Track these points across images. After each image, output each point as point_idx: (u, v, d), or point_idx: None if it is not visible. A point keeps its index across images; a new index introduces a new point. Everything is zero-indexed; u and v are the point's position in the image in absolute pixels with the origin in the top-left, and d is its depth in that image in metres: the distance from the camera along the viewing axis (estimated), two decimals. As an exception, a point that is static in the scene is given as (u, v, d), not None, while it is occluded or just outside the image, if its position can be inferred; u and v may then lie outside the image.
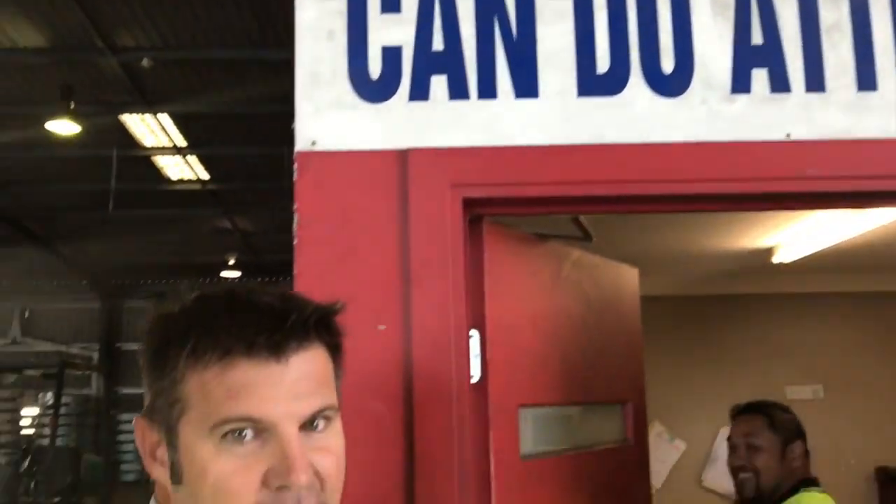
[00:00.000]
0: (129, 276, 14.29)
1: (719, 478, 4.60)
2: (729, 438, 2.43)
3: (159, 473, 0.89)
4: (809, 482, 2.33)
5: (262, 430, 0.84)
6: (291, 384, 0.85)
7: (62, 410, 7.70)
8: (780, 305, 4.78)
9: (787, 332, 4.80)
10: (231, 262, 12.51)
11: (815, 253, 3.64)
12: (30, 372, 8.94)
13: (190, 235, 11.47)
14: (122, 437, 8.65)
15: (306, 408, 0.85)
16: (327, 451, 0.87)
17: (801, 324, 4.82)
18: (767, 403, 2.43)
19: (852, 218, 3.13)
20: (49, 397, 7.33)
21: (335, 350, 0.92)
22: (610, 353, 1.97)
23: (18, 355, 10.29)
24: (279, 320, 0.85)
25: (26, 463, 6.40)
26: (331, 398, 0.89)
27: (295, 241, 1.45)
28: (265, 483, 0.83)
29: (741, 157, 1.46)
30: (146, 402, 0.90)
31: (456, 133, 1.49)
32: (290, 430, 0.84)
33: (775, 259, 3.81)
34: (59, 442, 6.68)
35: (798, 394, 4.76)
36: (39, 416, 8.41)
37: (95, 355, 12.97)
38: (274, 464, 0.83)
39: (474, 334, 1.48)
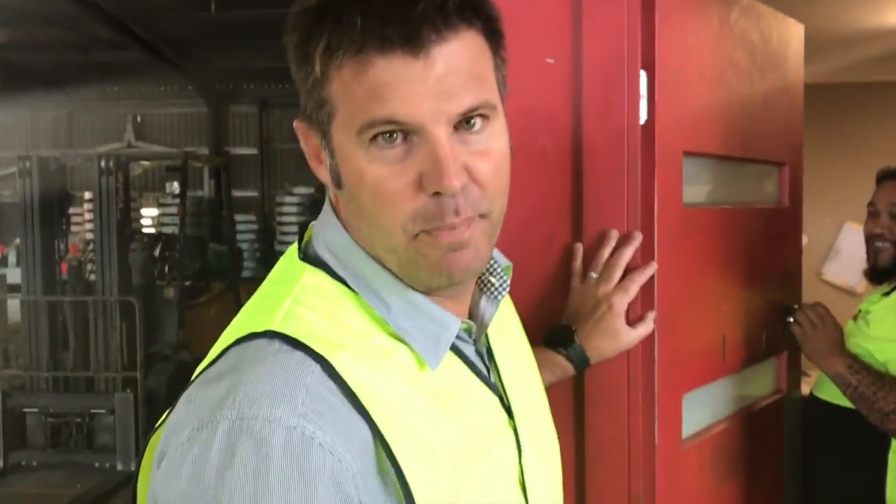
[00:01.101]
0: (234, 81, 14.48)
1: (840, 272, 4.54)
2: (870, 204, 2.34)
3: (324, 175, 0.86)
4: None
5: (411, 132, 0.78)
6: (437, 80, 0.76)
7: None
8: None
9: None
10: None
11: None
12: (153, 163, 9.30)
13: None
14: (239, 236, 9.12)
15: (456, 106, 0.77)
16: (485, 154, 0.81)
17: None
18: None
19: None
20: (175, 187, 7.67)
21: (492, 34, 0.82)
22: (771, 111, 1.87)
23: (136, 156, 10.72)
24: (407, 6, 0.75)
25: (158, 249, 6.84)
26: (487, 93, 0.80)
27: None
28: (420, 188, 0.78)
29: None
30: (301, 102, 0.85)
31: None
32: (439, 132, 0.77)
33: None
34: (186, 231, 7.10)
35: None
36: (166, 206, 8.81)
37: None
38: (426, 168, 0.77)
39: (643, 74, 1.41)
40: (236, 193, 13.09)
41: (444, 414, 0.84)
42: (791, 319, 1.99)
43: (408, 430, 0.78)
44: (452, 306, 0.88)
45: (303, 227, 0.94)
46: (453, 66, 0.77)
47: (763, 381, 1.96)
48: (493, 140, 0.82)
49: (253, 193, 17.59)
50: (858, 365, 2.05)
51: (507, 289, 0.96)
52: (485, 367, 0.94)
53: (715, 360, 1.68)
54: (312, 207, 16.50)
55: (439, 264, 0.82)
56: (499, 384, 0.94)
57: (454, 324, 0.86)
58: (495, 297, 0.95)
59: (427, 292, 0.85)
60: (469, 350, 0.91)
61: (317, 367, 0.76)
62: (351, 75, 0.77)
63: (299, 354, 0.76)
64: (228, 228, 7.29)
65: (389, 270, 0.84)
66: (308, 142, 0.87)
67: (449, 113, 0.77)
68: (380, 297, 0.84)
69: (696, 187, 1.64)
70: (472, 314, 0.94)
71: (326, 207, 0.90)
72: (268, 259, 16.59)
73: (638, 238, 1.36)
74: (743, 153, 1.77)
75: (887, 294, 2.30)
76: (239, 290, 6.99)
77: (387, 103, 0.76)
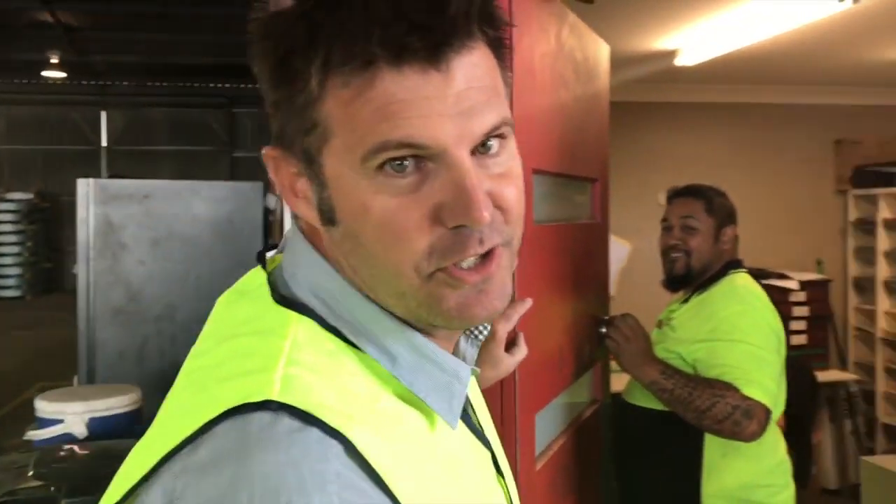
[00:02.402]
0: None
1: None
2: (664, 220, 2.50)
3: (304, 210, 0.72)
4: (737, 264, 2.46)
5: (426, 157, 0.66)
6: (458, 97, 0.65)
7: None
8: (662, 114, 4.92)
9: (664, 141, 4.97)
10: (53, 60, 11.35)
11: (715, 59, 3.72)
12: None
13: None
14: None
15: (479, 126, 0.66)
16: (507, 177, 0.70)
17: (677, 133, 5.00)
18: (705, 187, 2.50)
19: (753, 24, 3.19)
20: None
21: (500, 47, 0.71)
22: (588, 129, 1.93)
23: None
24: (435, 11, 0.63)
25: None
26: (506, 110, 0.70)
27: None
28: (437, 221, 0.66)
29: None
30: (273, 126, 0.71)
31: None
32: (463, 156, 0.66)
33: (678, 62, 3.87)
34: None
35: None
36: None
37: None
38: (446, 199, 0.65)
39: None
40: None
41: (455, 481, 0.73)
42: (603, 330, 2.06)
43: None
44: (446, 349, 0.77)
45: (260, 257, 0.78)
46: (473, 81, 0.66)
47: (583, 392, 2.01)
48: (512, 160, 0.72)
49: (-41, 200, 15.71)
50: (671, 370, 2.17)
51: (490, 327, 0.87)
52: (475, 418, 0.84)
53: (555, 376, 1.69)
54: (31, 216, 15.06)
55: (462, 308, 0.70)
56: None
57: (464, 372, 0.74)
58: (476, 336, 0.85)
59: (429, 334, 0.73)
60: None
61: (339, 447, 0.62)
62: (354, 93, 0.64)
63: (316, 433, 0.62)
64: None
65: (390, 313, 0.72)
66: (280, 172, 0.72)
67: (473, 134, 0.66)
68: (383, 347, 0.71)
69: (541, 202, 1.65)
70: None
71: (300, 243, 0.76)
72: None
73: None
74: (571, 170, 1.80)
75: (685, 301, 2.47)
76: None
77: (402, 124, 0.64)
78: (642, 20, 3.37)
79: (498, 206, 0.69)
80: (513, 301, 1.31)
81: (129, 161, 15.36)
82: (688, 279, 2.47)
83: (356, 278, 0.72)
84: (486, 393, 1.33)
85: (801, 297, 4.76)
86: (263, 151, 0.73)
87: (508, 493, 0.85)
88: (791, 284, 4.77)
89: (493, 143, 0.69)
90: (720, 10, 3.12)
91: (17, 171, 15.97)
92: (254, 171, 12.66)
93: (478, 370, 0.82)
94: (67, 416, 2.59)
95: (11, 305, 13.70)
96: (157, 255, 3.76)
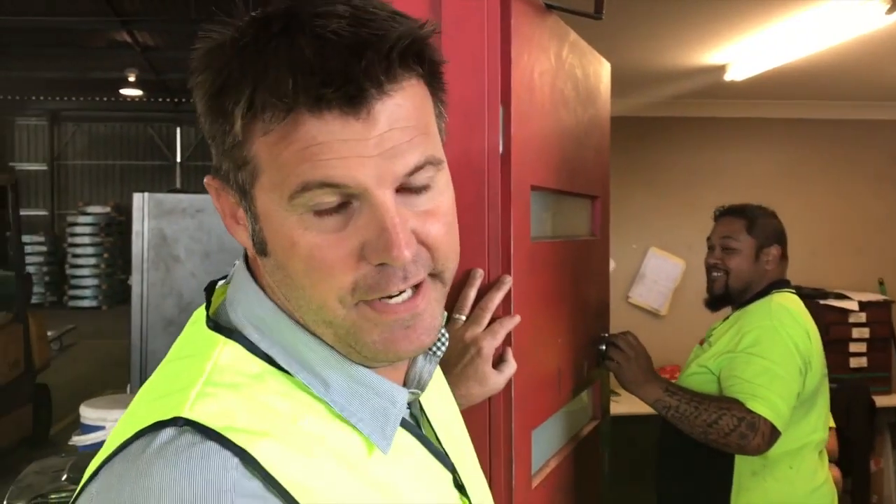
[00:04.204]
0: (20, 91, 13.39)
1: (645, 294, 4.79)
2: (708, 239, 2.51)
3: (244, 238, 0.75)
4: (782, 284, 2.42)
5: (350, 196, 0.67)
6: (380, 139, 0.66)
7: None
8: (716, 130, 4.84)
9: (717, 157, 4.90)
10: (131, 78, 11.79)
11: (766, 73, 3.65)
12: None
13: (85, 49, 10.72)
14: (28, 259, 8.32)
15: (402, 167, 0.68)
16: (433, 214, 0.71)
17: (731, 150, 4.92)
18: (750, 207, 2.48)
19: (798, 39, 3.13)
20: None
21: (434, 80, 0.73)
22: (588, 147, 1.92)
23: None
24: (352, 59, 0.64)
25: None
26: (432, 147, 0.71)
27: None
28: (363, 258, 0.68)
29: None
30: (213, 157, 0.73)
31: None
32: (384, 197, 0.67)
33: (727, 77, 3.80)
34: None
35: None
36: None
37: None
38: (369, 237, 0.67)
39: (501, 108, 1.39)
40: (22, 213, 12.10)
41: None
42: (603, 347, 2.04)
43: None
44: (392, 374, 0.78)
45: (209, 289, 0.81)
46: (396, 122, 0.67)
47: (582, 410, 2.00)
48: (440, 196, 0.73)
49: (42, 213, 16.37)
50: (674, 387, 2.15)
51: (447, 342, 0.87)
52: (434, 435, 0.85)
53: (553, 393, 1.68)
54: (108, 228, 15.61)
55: (387, 342, 0.72)
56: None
57: (400, 396, 0.76)
58: (433, 352, 0.85)
59: (366, 364, 0.75)
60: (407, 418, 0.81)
61: (236, 460, 0.64)
62: (277, 137, 0.66)
63: (215, 446, 0.64)
64: (15, 252, 6.64)
65: (323, 341, 0.74)
66: (222, 200, 0.75)
67: (395, 174, 0.68)
68: (315, 373, 0.73)
69: (537, 218, 1.65)
70: (408, 373, 0.84)
71: (241, 272, 0.79)
72: (58, 284, 15.50)
73: (508, 282, 1.33)
74: (570, 187, 1.80)
75: (726, 318, 2.44)
76: (27, 319, 6.39)
77: (322, 165, 0.66)
78: (690, 35, 3.33)
79: (423, 242, 0.71)
80: (500, 318, 1.31)
81: (201, 176, 15.77)
82: (727, 298, 2.46)
83: (288, 305, 0.74)
84: (476, 409, 1.34)
85: (862, 317, 4.60)
86: (206, 180, 0.76)
87: None
88: (850, 305, 4.62)
89: (419, 181, 0.70)
90: (770, 23, 3.07)
91: (95, 186, 16.60)
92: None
93: (419, 392, 0.82)
94: (108, 422, 2.70)
95: (88, 315, 14.22)
96: (208, 268, 3.88)
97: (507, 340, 1.34)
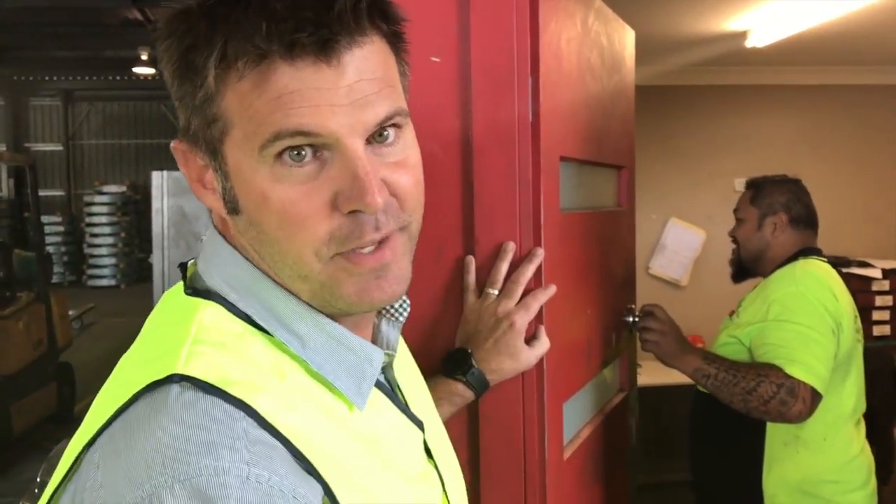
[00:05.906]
0: (34, 72, 13.40)
1: (665, 265, 4.76)
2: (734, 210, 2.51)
3: (211, 201, 0.76)
4: (810, 251, 2.39)
5: (322, 146, 0.70)
6: (350, 89, 0.69)
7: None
8: (736, 98, 4.78)
9: (738, 125, 4.84)
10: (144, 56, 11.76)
11: (788, 38, 3.59)
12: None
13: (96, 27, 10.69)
14: (46, 239, 8.37)
15: (372, 116, 0.70)
16: (402, 165, 0.74)
17: (751, 118, 4.86)
18: (763, 179, 2.46)
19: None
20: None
21: (396, 40, 0.75)
22: (614, 116, 1.89)
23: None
24: (323, 8, 0.67)
25: (-45, 256, 6.17)
26: (399, 101, 0.74)
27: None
28: (335, 207, 0.70)
29: None
30: (180, 120, 0.75)
31: None
32: (356, 145, 0.70)
33: (748, 43, 3.75)
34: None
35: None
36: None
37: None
38: (342, 186, 0.70)
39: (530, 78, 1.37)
40: (42, 193, 12.16)
41: (376, 459, 0.75)
42: (630, 319, 2.03)
43: (349, 479, 0.69)
44: (360, 334, 0.79)
45: (182, 268, 0.83)
46: (364, 73, 0.70)
47: (610, 382, 1.99)
48: (409, 149, 0.76)
49: (58, 193, 16.44)
50: (712, 356, 2.15)
51: (409, 308, 0.88)
52: (403, 399, 0.86)
53: (583, 366, 1.67)
54: (125, 207, 15.66)
55: (361, 292, 0.74)
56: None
57: (376, 355, 0.78)
58: (396, 318, 0.88)
59: (338, 317, 0.77)
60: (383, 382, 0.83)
61: (242, 412, 0.65)
62: (251, 86, 0.68)
63: (219, 401, 0.65)
64: (35, 232, 6.68)
65: (300, 298, 0.75)
66: (189, 164, 0.77)
67: (365, 124, 0.70)
68: (292, 330, 0.75)
69: (568, 189, 1.63)
70: (373, 340, 0.86)
71: (213, 238, 0.80)
72: (77, 264, 15.60)
73: (540, 254, 1.31)
74: (598, 157, 1.77)
75: (754, 288, 2.45)
76: (49, 298, 6.43)
77: (294, 113, 0.68)
78: (711, 0, 3.29)
79: (393, 193, 0.73)
80: (533, 291, 1.30)
81: (215, 153, 15.80)
82: (745, 269, 2.45)
83: (263, 264, 0.75)
84: (508, 383, 1.33)
85: (885, 285, 4.57)
86: (172, 145, 0.77)
87: (440, 474, 0.87)
88: (874, 273, 4.58)
89: (389, 132, 0.73)
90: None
91: (110, 165, 16.65)
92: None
93: (393, 354, 0.84)
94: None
95: (107, 294, 14.32)
96: (227, 245, 3.86)
97: (539, 316, 1.33)
